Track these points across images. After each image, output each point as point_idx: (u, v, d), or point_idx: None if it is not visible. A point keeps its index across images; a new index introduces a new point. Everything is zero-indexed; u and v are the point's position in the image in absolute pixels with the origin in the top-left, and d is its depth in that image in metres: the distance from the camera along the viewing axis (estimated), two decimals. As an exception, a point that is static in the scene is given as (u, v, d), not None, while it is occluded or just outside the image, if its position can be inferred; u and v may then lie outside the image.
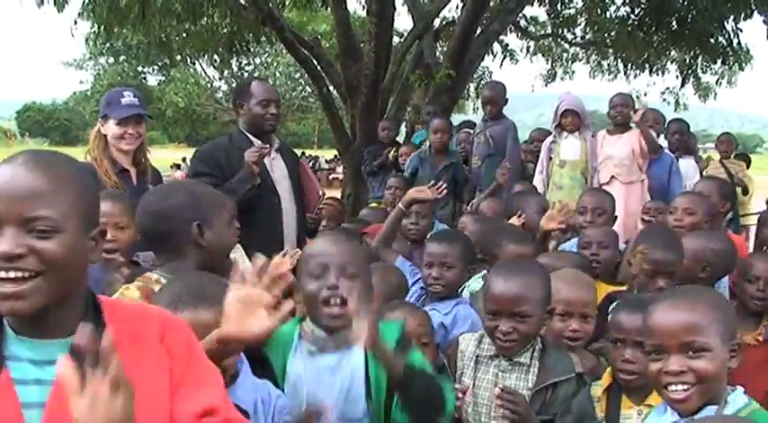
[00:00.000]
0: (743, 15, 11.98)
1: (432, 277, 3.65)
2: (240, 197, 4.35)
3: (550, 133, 6.97)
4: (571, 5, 15.42)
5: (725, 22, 12.66)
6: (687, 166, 7.39)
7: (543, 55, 19.28)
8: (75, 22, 11.11)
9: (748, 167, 10.37)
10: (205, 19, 11.21)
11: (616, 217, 4.93)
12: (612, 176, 6.46)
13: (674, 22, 12.61)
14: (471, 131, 7.84)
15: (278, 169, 4.90)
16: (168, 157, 37.58)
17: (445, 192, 4.66)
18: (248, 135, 4.81)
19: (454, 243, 3.75)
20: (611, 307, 3.04)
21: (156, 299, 2.19)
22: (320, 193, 4.99)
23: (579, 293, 3.12)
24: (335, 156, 27.96)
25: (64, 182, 1.55)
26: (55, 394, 1.47)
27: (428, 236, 4.22)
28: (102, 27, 10.91)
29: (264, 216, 4.25)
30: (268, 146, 4.72)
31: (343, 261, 2.46)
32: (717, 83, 17.65)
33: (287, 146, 5.34)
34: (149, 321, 1.70)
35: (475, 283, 4.01)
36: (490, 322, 2.84)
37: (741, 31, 13.06)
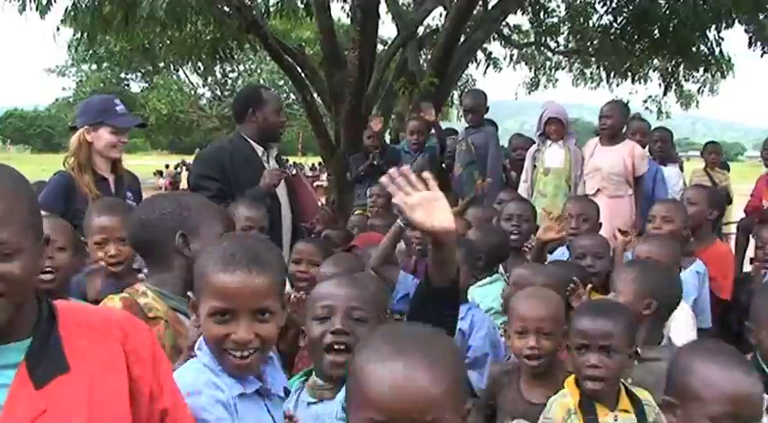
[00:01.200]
0: (724, 24, 12.08)
1: None
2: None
3: (532, 141, 6.99)
4: (554, 14, 15.53)
5: (707, 31, 12.74)
6: (671, 173, 7.44)
7: (526, 63, 19.35)
8: (58, 29, 11.05)
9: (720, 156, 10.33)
10: (189, 26, 11.15)
11: (600, 224, 4.93)
12: (599, 189, 6.35)
13: (656, 31, 12.68)
14: (454, 138, 7.91)
15: None
16: (151, 164, 37.48)
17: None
18: (250, 141, 4.84)
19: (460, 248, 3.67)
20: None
21: (206, 257, 2.11)
22: (318, 203, 5.01)
23: (536, 309, 3.01)
24: (319, 163, 27.89)
25: (14, 199, 1.55)
26: (12, 397, 1.49)
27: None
28: (85, 34, 10.85)
29: (269, 223, 4.25)
30: (288, 172, 4.89)
31: (349, 304, 2.34)
32: (699, 91, 17.77)
33: (279, 155, 5.39)
34: (109, 325, 1.71)
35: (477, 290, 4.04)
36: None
37: (723, 39, 13.20)
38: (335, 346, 2.27)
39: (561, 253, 4.71)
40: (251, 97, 5.09)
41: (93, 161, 4.39)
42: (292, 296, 3.07)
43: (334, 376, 2.29)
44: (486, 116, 7.48)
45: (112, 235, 3.27)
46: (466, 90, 16.76)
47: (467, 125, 7.40)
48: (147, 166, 35.28)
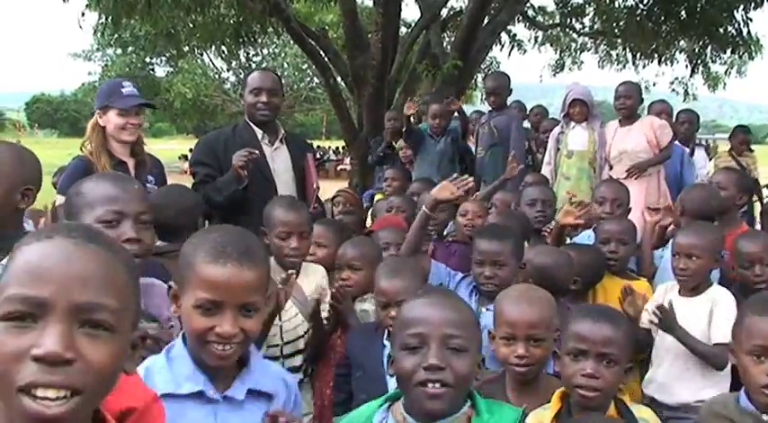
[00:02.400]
0: (753, 5, 11.91)
1: (484, 276, 3.48)
2: (225, 198, 4.46)
3: (558, 122, 6.93)
4: (579, -5, 15.39)
5: (734, 12, 12.58)
6: (697, 157, 7.36)
7: (551, 45, 19.24)
8: (83, 14, 11.12)
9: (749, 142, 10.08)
10: (212, 10, 11.17)
11: (630, 208, 4.89)
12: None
13: (683, 12, 12.54)
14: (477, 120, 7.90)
15: (280, 160, 4.83)
16: (176, 149, 37.69)
17: (471, 184, 4.12)
18: (252, 125, 4.80)
19: (506, 240, 3.55)
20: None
21: (193, 247, 2.03)
22: (315, 185, 4.93)
23: (526, 313, 2.69)
24: (342, 147, 27.92)
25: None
26: None
27: (478, 231, 3.97)
28: (109, 18, 10.90)
29: (258, 206, 4.23)
30: (257, 151, 4.59)
31: (445, 332, 1.96)
32: (726, 73, 17.59)
33: (296, 137, 5.29)
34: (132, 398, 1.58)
35: None
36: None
37: (751, 20, 12.98)
38: (430, 384, 1.92)
39: (588, 236, 4.67)
40: (243, 80, 5.10)
41: (110, 145, 4.38)
42: (288, 276, 2.98)
43: (430, 412, 1.95)
44: (511, 98, 7.46)
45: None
46: (489, 73, 16.68)
47: (489, 108, 7.36)
48: (172, 150, 35.47)
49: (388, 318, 2.99)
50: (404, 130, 7.41)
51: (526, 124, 8.93)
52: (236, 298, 1.97)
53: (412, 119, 7.32)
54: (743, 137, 9.50)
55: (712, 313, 3.53)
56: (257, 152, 4.56)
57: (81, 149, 4.40)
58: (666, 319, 3.50)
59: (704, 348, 3.48)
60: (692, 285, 3.67)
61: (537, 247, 4.13)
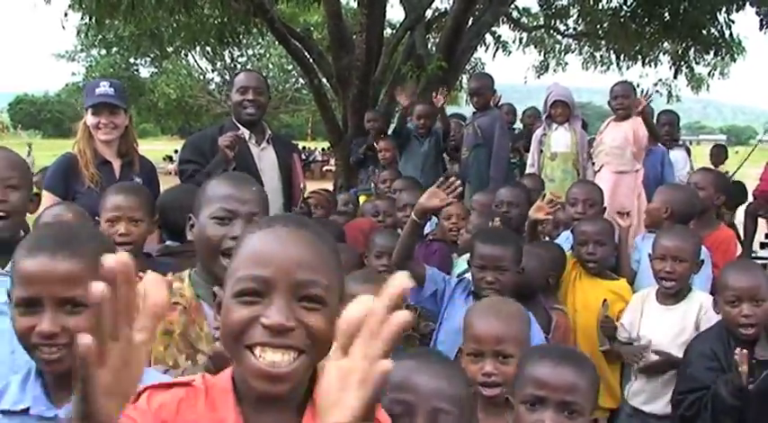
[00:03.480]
0: (735, 7, 11.99)
1: (486, 281, 3.41)
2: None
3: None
4: (563, -3, 15.43)
5: (717, 14, 12.66)
6: (677, 157, 7.41)
7: (536, 46, 19.25)
8: (66, 14, 11.06)
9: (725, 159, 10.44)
10: (196, 10, 11.13)
11: (605, 208, 4.91)
12: (603, 165, 6.32)
13: (666, 14, 12.60)
14: (462, 123, 7.90)
15: (267, 160, 4.87)
16: (161, 149, 37.59)
17: (460, 188, 3.91)
18: (238, 125, 4.82)
19: (508, 245, 3.50)
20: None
21: (20, 244, 1.90)
22: (301, 185, 4.96)
23: (493, 328, 2.54)
24: (328, 147, 27.91)
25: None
26: None
27: (476, 235, 3.92)
28: (92, 18, 10.85)
29: None
30: (242, 132, 4.70)
31: (433, 404, 1.78)
32: (710, 74, 17.64)
33: (282, 138, 5.35)
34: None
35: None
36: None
37: (733, 22, 13.08)
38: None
39: (566, 238, 4.70)
40: (230, 81, 5.14)
41: (96, 144, 4.41)
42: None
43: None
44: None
45: (125, 214, 3.29)
46: (473, 74, 16.71)
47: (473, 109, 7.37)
48: (156, 151, 35.35)
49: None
50: (394, 128, 7.44)
51: (518, 126, 8.96)
52: (53, 292, 1.78)
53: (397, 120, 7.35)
54: (717, 153, 10.24)
55: (700, 321, 3.49)
56: (242, 132, 4.65)
57: (73, 148, 4.45)
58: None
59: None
60: (677, 289, 3.64)
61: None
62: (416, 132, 7.39)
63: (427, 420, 1.70)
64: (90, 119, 4.40)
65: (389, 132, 8.26)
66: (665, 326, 3.60)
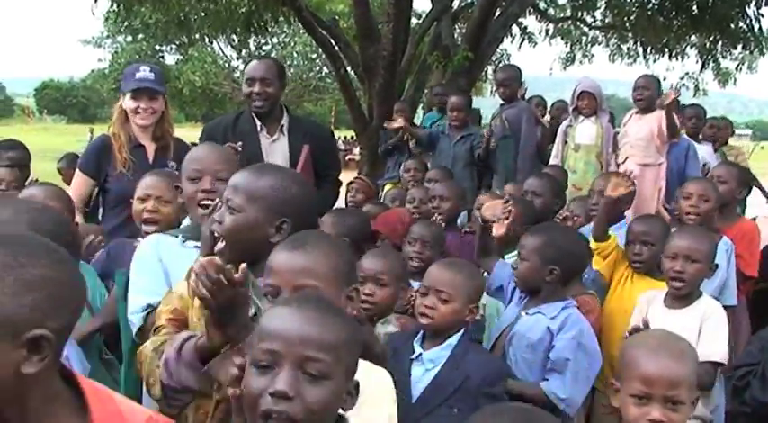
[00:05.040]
0: (764, 0, 11.89)
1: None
2: None
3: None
4: (591, -12, 15.37)
5: (746, 8, 12.54)
6: (703, 151, 7.37)
7: (562, 38, 19.20)
8: (96, 1, 11.16)
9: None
10: (224, -2, 11.22)
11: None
12: (627, 157, 6.30)
13: (694, 7, 12.53)
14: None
15: (278, 152, 4.71)
16: (185, 136, 37.75)
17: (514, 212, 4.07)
18: (254, 116, 4.74)
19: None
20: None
21: None
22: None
23: (667, 370, 2.27)
24: (351, 137, 27.93)
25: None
26: None
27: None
28: (121, 5, 10.95)
29: None
30: (239, 149, 4.26)
31: (300, 351, 1.66)
32: (737, 68, 17.54)
33: (304, 125, 5.05)
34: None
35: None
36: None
37: (762, 16, 12.95)
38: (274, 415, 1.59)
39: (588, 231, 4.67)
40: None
41: (131, 128, 4.43)
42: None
43: None
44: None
45: (154, 194, 3.43)
46: (500, 65, 16.67)
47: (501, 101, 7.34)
48: (181, 137, 35.47)
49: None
50: (411, 141, 7.37)
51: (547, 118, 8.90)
52: None
53: (421, 111, 7.30)
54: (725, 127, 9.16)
55: (701, 329, 3.34)
56: (239, 149, 4.28)
57: (108, 130, 4.50)
58: None
59: None
60: (687, 291, 3.50)
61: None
62: (451, 125, 7.18)
63: (292, 368, 1.59)
64: (129, 103, 4.40)
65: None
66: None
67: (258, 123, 4.69)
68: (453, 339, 2.95)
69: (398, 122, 7.40)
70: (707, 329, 3.31)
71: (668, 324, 3.12)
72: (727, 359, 3.29)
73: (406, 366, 2.91)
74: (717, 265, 3.69)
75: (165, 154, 4.49)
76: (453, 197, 4.89)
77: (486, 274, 3.88)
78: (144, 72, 4.46)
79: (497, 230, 3.91)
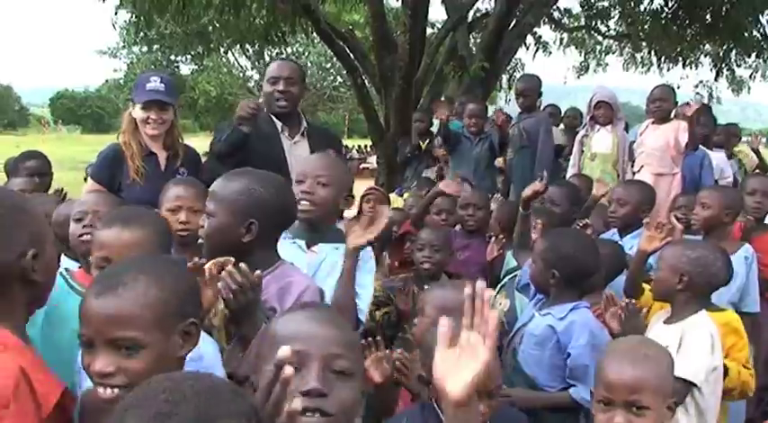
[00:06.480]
0: (778, 9, 11.96)
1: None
2: (226, 144, 4.49)
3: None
4: (605, -2, 15.46)
5: (759, 16, 12.62)
6: (718, 160, 7.41)
7: (576, 47, 19.28)
8: (116, 12, 11.31)
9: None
10: (244, 10, 11.33)
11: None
12: (642, 166, 6.36)
13: (708, 15, 12.60)
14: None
15: (299, 155, 4.62)
16: (199, 146, 37.90)
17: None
18: (272, 117, 4.69)
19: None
20: None
21: None
22: None
23: (626, 375, 2.28)
24: (365, 145, 28.05)
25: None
26: None
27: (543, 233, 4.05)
28: (141, 17, 11.08)
29: None
30: (262, 102, 4.57)
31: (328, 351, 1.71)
32: (751, 77, 17.56)
33: (321, 130, 5.14)
34: None
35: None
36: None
37: (776, 24, 13.04)
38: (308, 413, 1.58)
39: (612, 234, 4.75)
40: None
41: (141, 136, 4.45)
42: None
43: None
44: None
45: (185, 204, 3.45)
46: (516, 74, 16.76)
47: (519, 110, 7.43)
48: (195, 147, 35.58)
49: None
50: (442, 136, 7.46)
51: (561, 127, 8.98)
52: None
53: (437, 120, 7.39)
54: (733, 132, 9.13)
55: (680, 344, 3.18)
56: (262, 104, 4.57)
57: (117, 138, 4.50)
58: None
59: None
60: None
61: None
62: (468, 131, 7.34)
63: (321, 366, 1.62)
64: (139, 113, 4.41)
65: (435, 137, 8.28)
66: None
67: (279, 124, 4.68)
68: None
69: (441, 113, 7.52)
70: (683, 345, 3.17)
71: (659, 338, 2.96)
72: (698, 379, 3.05)
73: None
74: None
75: (174, 161, 4.52)
76: (486, 207, 5.10)
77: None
78: (155, 82, 4.45)
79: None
